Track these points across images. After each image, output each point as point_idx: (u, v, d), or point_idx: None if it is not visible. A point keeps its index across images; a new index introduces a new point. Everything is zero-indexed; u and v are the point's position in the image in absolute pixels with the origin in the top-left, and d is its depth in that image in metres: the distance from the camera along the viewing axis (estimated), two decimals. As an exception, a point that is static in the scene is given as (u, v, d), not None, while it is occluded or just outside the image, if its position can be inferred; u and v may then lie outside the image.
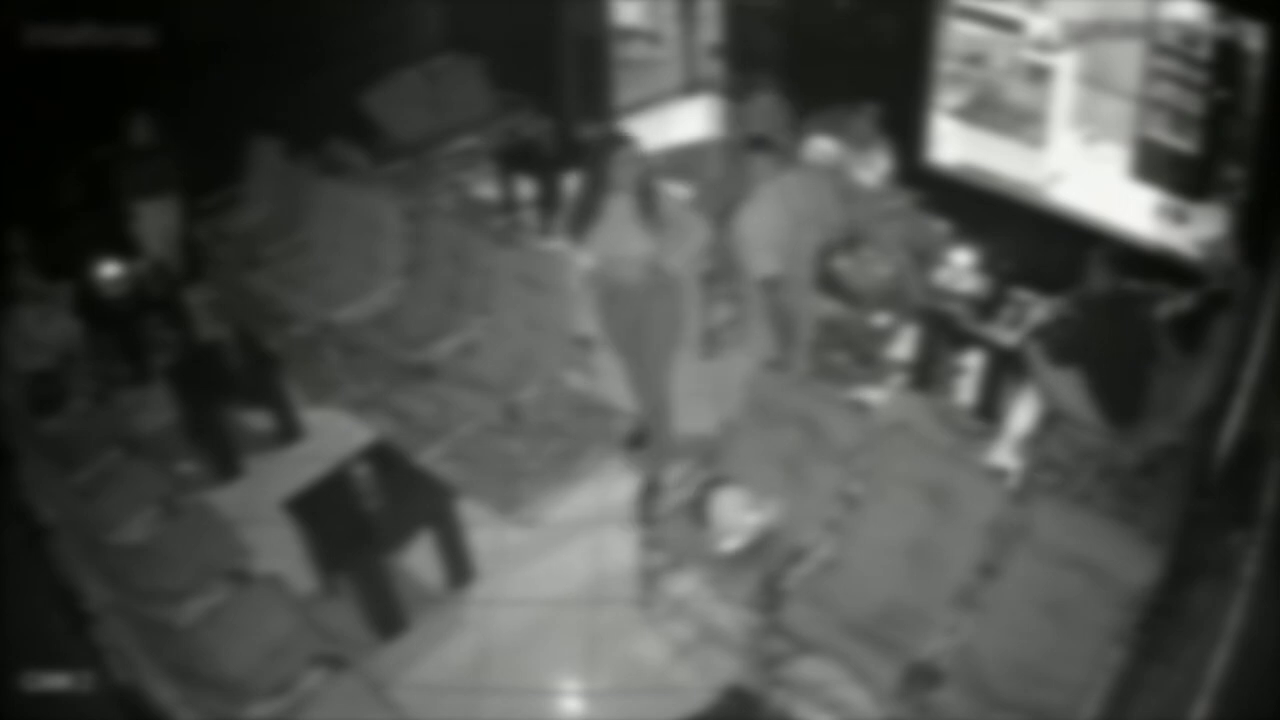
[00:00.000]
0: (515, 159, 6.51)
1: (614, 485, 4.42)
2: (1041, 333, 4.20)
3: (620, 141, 3.93)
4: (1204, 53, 4.15)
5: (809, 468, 3.62)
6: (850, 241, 4.45)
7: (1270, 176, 3.99)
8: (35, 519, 3.45)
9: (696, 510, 3.57)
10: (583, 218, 3.92)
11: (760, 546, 3.47)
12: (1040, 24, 4.69)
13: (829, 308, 4.66)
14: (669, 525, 3.62)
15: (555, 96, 7.02)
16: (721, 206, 5.24)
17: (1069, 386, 3.92)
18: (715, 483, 3.63)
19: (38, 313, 4.82)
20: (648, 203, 3.85)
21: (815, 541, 3.50)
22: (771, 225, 4.01)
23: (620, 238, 3.87)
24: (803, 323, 4.09)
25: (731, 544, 3.47)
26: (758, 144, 4.06)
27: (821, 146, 4.31)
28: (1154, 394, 3.89)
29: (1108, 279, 3.85)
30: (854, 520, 3.48)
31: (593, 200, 3.87)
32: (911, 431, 3.56)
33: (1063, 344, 3.93)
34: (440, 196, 6.51)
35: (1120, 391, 3.86)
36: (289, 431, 4.84)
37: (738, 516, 3.50)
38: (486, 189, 6.74)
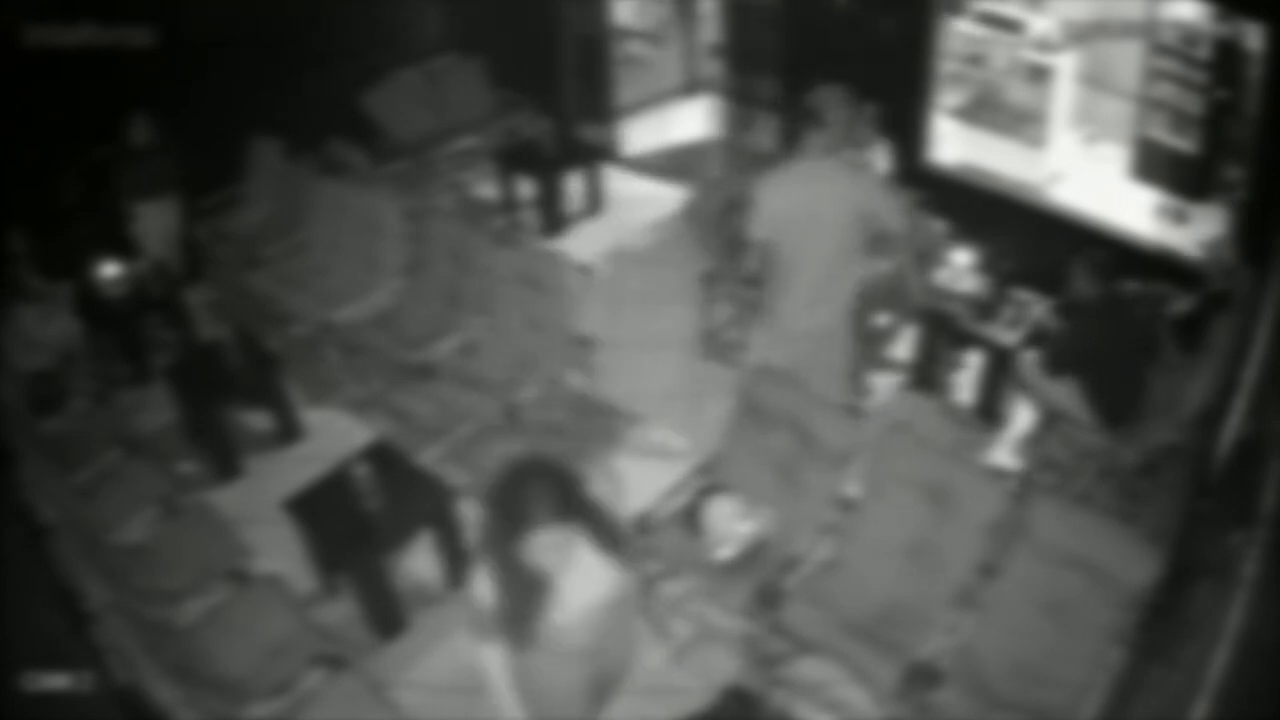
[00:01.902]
0: (515, 159, 6.52)
1: (614, 485, 4.42)
2: (1033, 344, 4.20)
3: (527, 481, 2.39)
4: (1204, 53, 4.15)
5: (802, 472, 3.62)
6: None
7: (1270, 176, 3.99)
8: (35, 519, 3.45)
9: (690, 519, 3.57)
10: (521, 620, 2.53)
11: (754, 555, 3.47)
12: (1040, 24, 4.69)
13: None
14: (663, 534, 3.61)
15: (555, 96, 7.04)
16: (721, 207, 5.26)
17: (1064, 393, 3.93)
18: (708, 491, 3.62)
19: (38, 313, 4.82)
20: (598, 533, 2.48)
21: (810, 548, 3.49)
22: (784, 202, 3.75)
23: (573, 593, 2.52)
24: (809, 314, 3.97)
25: (725, 553, 3.47)
26: (815, 120, 3.79)
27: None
28: (1154, 394, 3.89)
29: (1091, 285, 3.86)
30: (854, 520, 3.48)
31: (525, 600, 2.49)
32: (911, 431, 3.56)
33: (1054, 355, 3.94)
34: (440, 196, 6.52)
35: (1116, 394, 3.86)
36: (289, 431, 4.83)
37: (731, 525, 3.49)
38: (486, 189, 6.75)
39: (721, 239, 5.18)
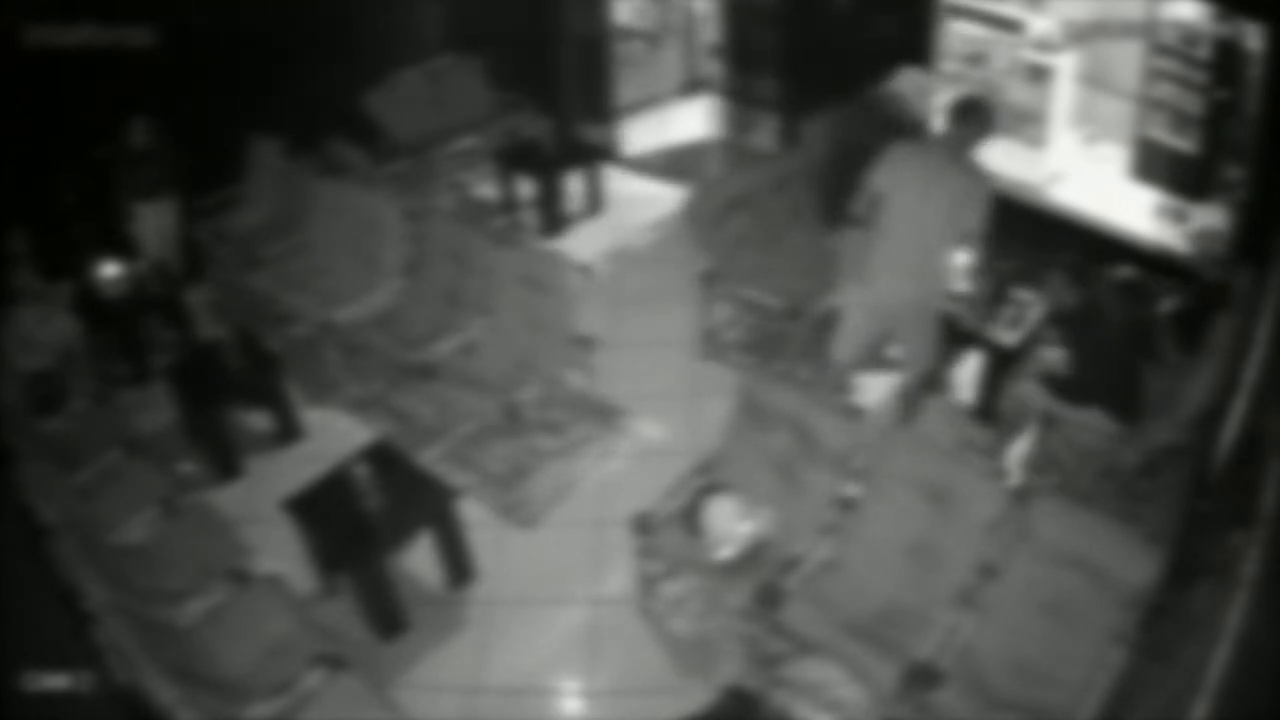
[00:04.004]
0: (515, 159, 6.51)
1: (614, 485, 4.43)
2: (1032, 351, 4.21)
3: None
4: (1204, 53, 4.15)
5: (802, 472, 3.62)
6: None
7: (1270, 176, 3.99)
8: (35, 519, 3.45)
9: (690, 519, 3.57)
10: None
11: (754, 555, 3.47)
12: (1040, 24, 4.69)
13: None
14: (664, 534, 3.62)
15: (555, 96, 7.03)
16: (721, 207, 5.25)
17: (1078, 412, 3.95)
18: (708, 490, 3.62)
19: (38, 313, 4.82)
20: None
21: (810, 548, 3.50)
22: (903, 165, 3.89)
23: None
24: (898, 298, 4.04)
25: (725, 553, 3.47)
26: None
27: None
28: (1154, 394, 3.90)
29: (1069, 294, 3.92)
30: (854, 520, 3.48)
31: None
32: (911, 431, 3.56)
33: (1061, 386, 3.96)
34: (440, 196, 6.52)
35: (1117, 392, 3.87)
36: (289, 431, 4.84)
37: (730, 525, 3.50)
38: (486, 189, 6.75)
39: (721, 239, 5.18)
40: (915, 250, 3.92)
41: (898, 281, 3.98)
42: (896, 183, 3.88)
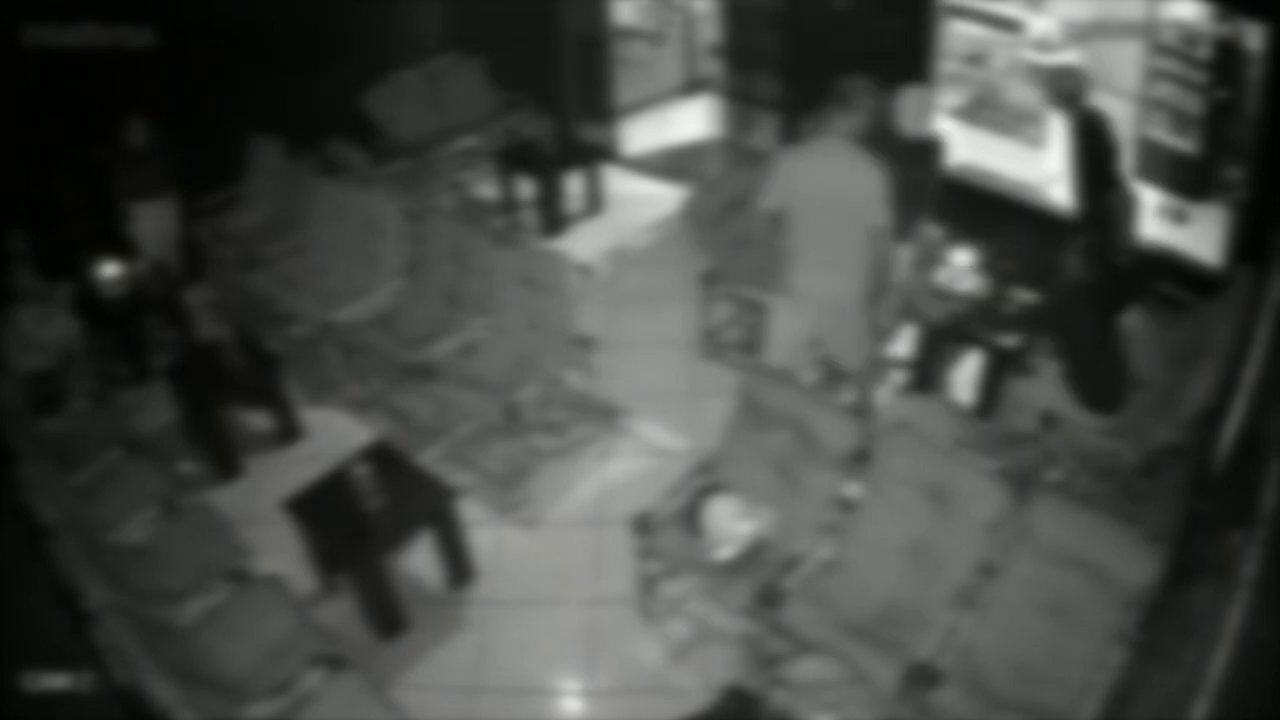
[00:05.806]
0: (515, 159, 6.52)
1: (614, 485, 4.43)
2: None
3: None
4: (1204, 53, 4.15)
5: (802, 472, 3.62)
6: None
7: (1270, 176, 3.99)
8: (35, 519, 3.45)
9: (689, 519, 3.57)
10: None
11: (754, 555, 3.47)
12: (1040, 24, 4.69)
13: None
14: (664, 534, 3.62)
15: (555, 96, 7.04)
16: (721, 207, 5.26)
17: (1054, 395, 3.97)
18: (708, 491, 3.62)
19: (38, 313, 4.82)
20: None
21: (810, 548, 3.50)
22: (797, 175, 3.84)
23: None
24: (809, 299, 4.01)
25: (725, 553, 3.47)
26: (841, 104, 3.83)
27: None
28: (1154, 394, 3.90)
29: (1085, 269, 3.95)
30: (854, 520, 3.48)
31: None
32: (911, 431, 3.56)
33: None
34: (440, 196, 6.53)
35: (1102, 378, 3.91)
36: (289, 431, 4.84)
37: (730, 525, 3.49)
38: (486, 189, 6.76)
39: (721, 239, 5.18)
40: (825, 250, 3.88)
41: (813, 282, 3.95)
42: (793, 190, 3.83)
